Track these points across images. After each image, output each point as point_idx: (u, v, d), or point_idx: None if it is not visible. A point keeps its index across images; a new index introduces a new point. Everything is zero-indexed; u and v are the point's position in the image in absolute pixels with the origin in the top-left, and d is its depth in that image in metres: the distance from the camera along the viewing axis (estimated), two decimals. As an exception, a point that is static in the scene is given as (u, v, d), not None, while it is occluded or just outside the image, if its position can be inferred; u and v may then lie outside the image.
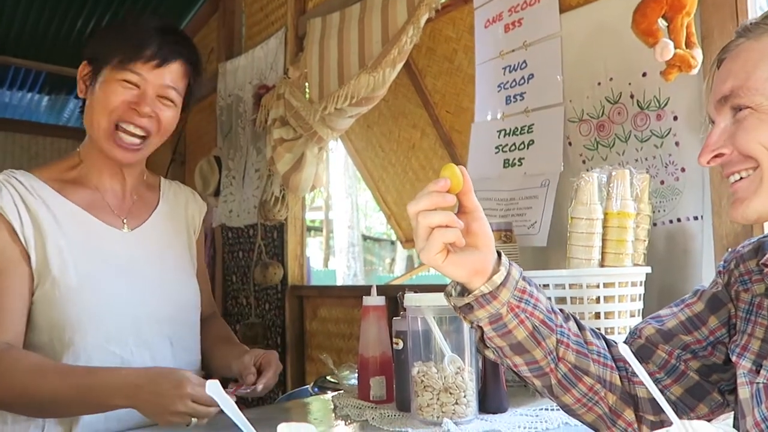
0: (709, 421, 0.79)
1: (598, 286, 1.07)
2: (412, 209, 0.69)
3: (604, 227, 1.12)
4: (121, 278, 1.09)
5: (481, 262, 0.71)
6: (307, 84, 2.30)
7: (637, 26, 1.17)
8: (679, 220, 1.30)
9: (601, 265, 1.12)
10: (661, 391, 0.77)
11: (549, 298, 0.77)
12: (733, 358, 0.71)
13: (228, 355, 1.15)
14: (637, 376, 0.75)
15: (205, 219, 1.33)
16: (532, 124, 1.59)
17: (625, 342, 0.83)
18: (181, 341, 1.16)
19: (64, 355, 1.03)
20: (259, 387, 1.03)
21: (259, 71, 2.71)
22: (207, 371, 1.22)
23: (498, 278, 0.71)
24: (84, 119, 1.12)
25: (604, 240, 1.12)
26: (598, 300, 1.07)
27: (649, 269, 1.12)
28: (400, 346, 1.06)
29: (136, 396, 0.91)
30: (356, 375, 1.25)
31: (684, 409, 0.77)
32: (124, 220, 1.15)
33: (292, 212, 2.56)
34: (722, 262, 0.81)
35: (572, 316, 0.79)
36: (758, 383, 0.67)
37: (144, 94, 1.08)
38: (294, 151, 2.31)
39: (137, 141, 1.10)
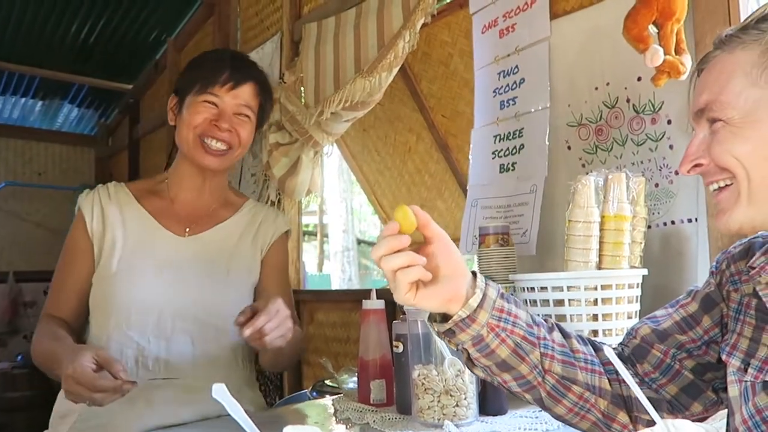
0: (704, 419, 0.80)
1: (595, 288, 1.08)
2: (375, 256, 0.71)
3: (601, 230, 1.13)
4: (157, 275, 1.23)
5: (454, 289, 0.72)
6: (302, 88, 2.30)
7: (627, 32, 1.18)
8: (673, 222, 1.32)
9: (599, 267, 1.13)
10: (657, 390, 0.78)
11: (530, 313, 0.78)
12: (723, 357, 0.73)
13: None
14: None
15: (287, 243, 1.43)
16: (522, 128, 1.61)
17: (622, 343, 0.85)
18: (204, 342, 1.24)
19: (92, 330, 1.24)
20: (246, 332, 1.02)
21: (255, 76, 2.72)
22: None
23: (474, 301, 0.73)
24: (175, 140, 1.33)
25: (601, 243, 1.13)
26: (595, 302, 1.08)
27: (645, 271, 1.13)
28: (401, 349, 1.06)
29: (60, 369, 1.01)
30: (355, 379, 1.26)
31: (679, 408, 0.78)
32: (187, 229, 1.30)
33: (288, 216, 2.56)
34: (714, 263, 0.82)
35: (556, 325, 0.80)
36: (746, 381, 0.68)
37: (223, 112, 1.27)
38: (290, 155, 2.32)
39: (223, 147, 1.28)
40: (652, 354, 0.79)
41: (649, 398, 0.76)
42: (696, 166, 0.69)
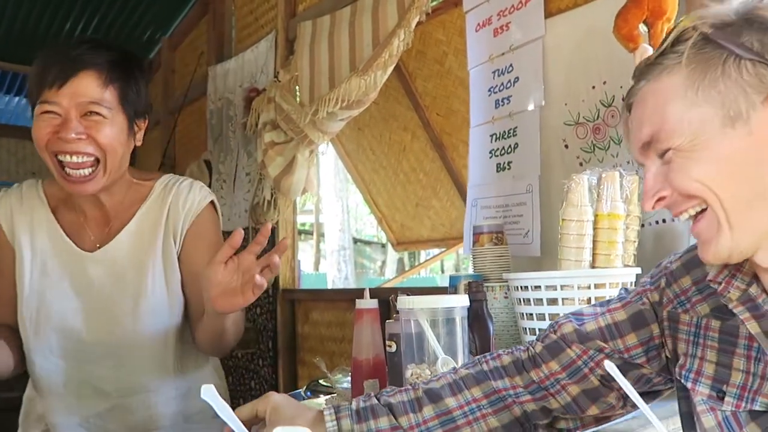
0: (598, 422, 0.79)
1: (589, 287, 1.07)
2: None
3: (595, 229, 1.13)
4: (71, 299, 1.13)
5: None
6: (297, 87, 2.30)
7: (618, 31, 1.19)
8: (664, 221, 1.32)
9: (592, 266, 1.13)
10: (559, 392, 0.77)
11: (394, 410, 0.76)
12: (688, 385, 0.70)
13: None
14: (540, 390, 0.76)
15: (216, 214, 1.21)
16: (516, 127, 1.61)
17: (539, 336, 0.82)
18: (128, 365, 1.15)
19: (27, 351, 1.15)
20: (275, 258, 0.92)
21: (250, 74, 2.71)
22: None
23: None
24: None
25: (594, 241, 1.13)
26: (589, 301, 1.07)
27: (639, 270, 1.13)
28: (394, 348, 1.06)
29: None
30: (349, 378, 1.25)
31: (574, 410, 0.77)
32: (98, 244, 1.15)
33: (283, 216, 2.56)
34: (649, 278, 0.79)
35: (426, 394, 0.78)
36: (724, 411, 0.66)
37: (66, 120, 1.02)
38: (285, 154, 2.31)
39: (86, 172, 1.04)
40: (565, 353, 0.77)
41: (539, 409, 0.76)
42: (659, 200, 0.66)
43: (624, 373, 0.67)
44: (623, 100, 1.43)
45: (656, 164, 0.66)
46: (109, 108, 1.04)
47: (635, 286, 0.83)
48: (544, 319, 1.10)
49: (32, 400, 1.21)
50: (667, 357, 0.76)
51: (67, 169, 1.04)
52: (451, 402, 0.77)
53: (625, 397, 0.77)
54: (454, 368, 0.83)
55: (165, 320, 1.16)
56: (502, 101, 1.66)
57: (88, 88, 1.03)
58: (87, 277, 1.13)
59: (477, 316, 1.04)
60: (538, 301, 1.10)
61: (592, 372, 0.76)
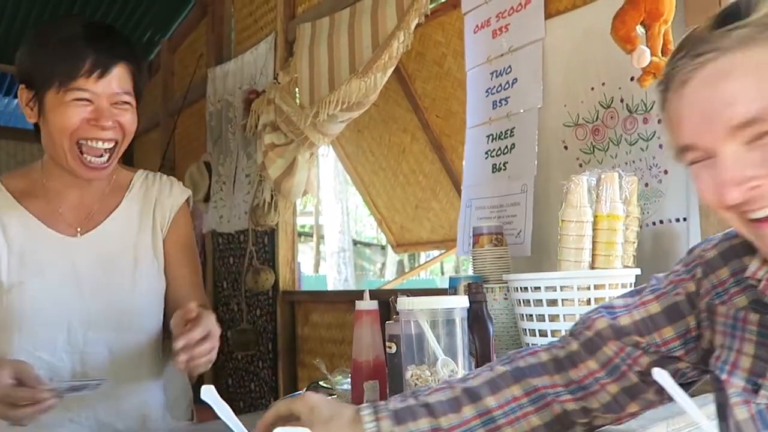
0: (632, 417, 0.78)
1: (588, 288, 1.08)
2: None
3: (594, 230, 1.13)
4: (59, 286, 1.10)
5: None
6: (297, 89, 2.30)
7: (615, 32, 1.19)
8: (662, 222, 1.32)
9: (592, 267, 1.13)
10: (599, 391, 0.75)
11: (435, 410, 0.74)
12: (723, 377, 0.69)
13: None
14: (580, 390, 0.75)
15: (189, 211, 1.26)
16: (513, 128, 1.62)
17: (574, 332, 0.80)
18: (124, 349, 1.14)
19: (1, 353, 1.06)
20: (180, 342, 0.92)
21: (249, 76, 2.71)
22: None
23: None
24: (42, 142, 1.10)
25: (594, 242, 1.13)
26: (588, 302, 1.08)
27: (638, 271, 1.14)
28: (394, 349, 1.06)
29: None
30: (349, 380, 1.25)
31: (615, 408, 0.76)
32: (78, 228, 1.14)
33: (283, 218, 2.56)
34: (683, 267, 0.77)
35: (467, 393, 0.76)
36: (759, 404, 0.64)
37: (100, 108, 1.05)
38: (285, 156, 2.31)
39: (105, 159, 1.08)
40: (602, 351, 0.76)
41: (579, 409, 0.75)
42: (751, 189, 0.58)
43: (661, 367, 0.65)
44: (621, 101, 1.43)
45: (740, 149, 0.58)
46: (131, 96, 1.10)
47: (667, 273, 0.80)
48: (544, 320, 1.10)
49: None
50: (703, 349, 0.74)
51: (87, 156, 1.06)
52: (490, 401, 0.75)
53: (662, 392, 0.74)
54: (489, 365, 0.81)
55: (155, 305, 1.19)
56: (499, 102, 1.67)
57: (122, 79, 1.07)
58: (73, 263, 1.11)
59: (477, 317, 1.04)
60: (538, 302, 1.11)
61: (630, 369, 0.75)
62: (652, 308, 0.76)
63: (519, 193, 1.56)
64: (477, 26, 1.74)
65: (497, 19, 1.68)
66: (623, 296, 0.81)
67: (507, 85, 1.65)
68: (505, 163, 1.63)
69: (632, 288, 1.12)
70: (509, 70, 1.64)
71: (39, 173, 1.15)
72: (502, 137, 1.65)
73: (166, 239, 1.21)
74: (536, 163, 1.53)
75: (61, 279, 1.10)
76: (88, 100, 1.04)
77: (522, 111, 1.59)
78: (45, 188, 1.13)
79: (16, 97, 4.11)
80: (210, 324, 0.98)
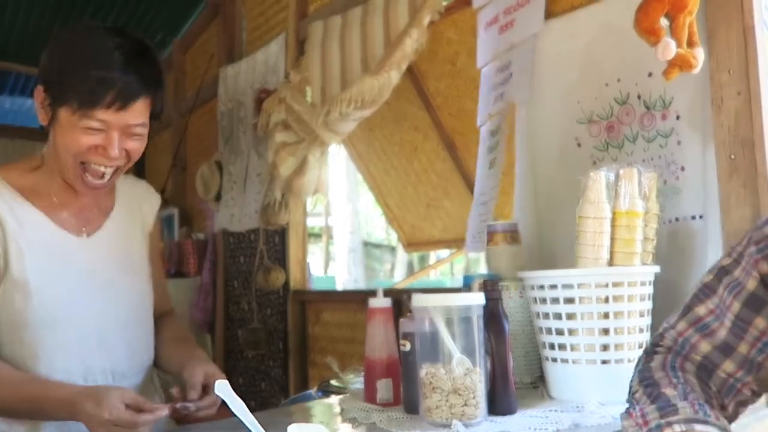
0: None
1: (606, 286, 1.05)
2: None
3: (613, 226, 1.11)
4: (81, 284, 1.11)
5: None
6: (308, 88, 2.29)
7: (639, 25, 1.16)
8: (677, 219, 1.30)
9: (610, 264, 1.11)
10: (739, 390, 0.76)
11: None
12: None
13: (182, 361, 1.14)
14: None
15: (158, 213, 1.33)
16: (501, 124, 1.65)
17: (676, 366, 0.79)
18: (137, 342, 1.19)
19: (24, 356, 1.06)
20: (191, 407, 1.00)
21: (260, 76, 2.71)
22: (160, 369, 1.25)
23: None
24: (47, 146, 1.09)
25: (612, 239, 1.11)
26: (606, 300, 1.05)
27: (658, 268, 1.11)
28: (408, 347, 1.05)
29: (75, 413, 0.96)
30: (361, 378, 1.24)
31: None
32: (83, 228, 1.15)
33: (294, 217, 2.56)
34: (752, 247, 0.74)
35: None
36: None
37: (110, 137, 1.03)
38: (297, 155, 2.31)
39: (105, 180, 1.09)
40: (717, 376, 0.76)
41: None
42: None
43: None
44: (638, 97, 1.41)
45: None
46: (146, 126, 1.08)
47: (734, 258, 0.79)
48: (561, 318, 1.08)
49: None
50: None
51: (88, 176, 1.07)
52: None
53: None
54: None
55: (151, 303, 1.24)
56: (498, 98, 1.69)
57: (139, 112, 1.05)
58: (86, 262, 1.13)
59: (492, 315, 1.02)
60: (554, 300, 1.09)
61: (746, 387, 0.76)
62: (734, 308, 0.75)
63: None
64: (487, 23, 1.74)
65: (504, 15, 1.68)
66: (710, 312, 0.79)
67: (505, 81, 1.66)
68: (495, 159, 1.67)
69: (651, 285, 1.10)
70: (509, 65, 1.65)
71: (39, 173, 1.13)
72: (496, 133, 1.68)
73: (149, 243, 1.27)
74: (527, 157, 1.55)
75: (83, 278, 1.12)
76: (100, 129, 1.03)
77: (514, 105, 1.61)
78: (47, 189, 1.13)
79: (31, 97, 4.16)
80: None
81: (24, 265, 1.06)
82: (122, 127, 1.04)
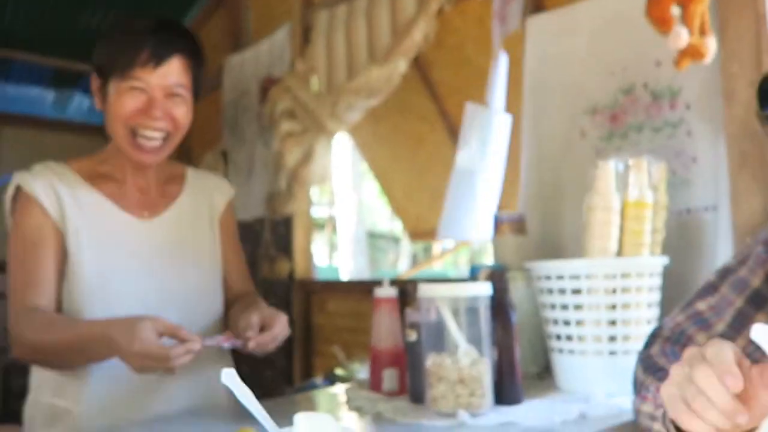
0: None
1: (615, 277, 1.05)
2: None
3: (622, 217, 1.10)
4: (136, 265, 1.15)
5: None
6: (314, 77, 2.28)
7: (650, 13, 1.15)
8: (689, 211, 1.29)
9: (618, 255, 1.10)
10: None
11: None
12: None
13: (241, 310, 1.15)
14: None
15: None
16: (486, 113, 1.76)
17: (673, 350, 0.79)
18: (192, 328, 1.17)
19: None
20: (251, 344, 1.01)
21: (265, 65, 2.70)
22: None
23: None
24: (106, 128, 1.16)
25: (621, 230, 1.10)
26: (614, 291, 1.05)
27: (666, 259, 1.11)
28: (414, 337, 1.04)
29: (112, 348, 0.96)
30: (366, 368, 1.24)
31: None
32: (145, 211, 1.20)
33: (300, 206, 2.55)
34: (760, 247, 0.74)
35: None
36: None
37: (152, 99, 1.10)
38: (303, 144, 2.30)
39: (157, 143, 1.13)
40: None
41: None
42: None
43: None
44: (645, 87, 1.40)
45: None
46: (187, 90, 1.14)
47: (739, 260, 0.79)
48: (567, 309, 1.08)
49: (40, 387, 1.15)
50: None
51: (140, 139, 1.12)
52: None
53: None
54: None
55: (217, 291, 1.26)
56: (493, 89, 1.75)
57: (177, 72, 1.11)
58: (146, 245, 1.17)
59: (499, 306, 1.02)
60: (561, 291, 1.08)
61: None
62: (738, 305, 0.76)
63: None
64: (495, 13, 1.73)
65: (504, 5, 1.70)
66: (710, 308, 0.79)
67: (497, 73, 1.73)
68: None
69: (660, 277, 1.09)
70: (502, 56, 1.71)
71: (106, 162, 1.20)
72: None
73: (220, 231, 1.30)
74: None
75: (139, 260, 1.16)
76: (142, 89, 1.10)
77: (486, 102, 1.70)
78: (111, 172, 1.19)
79: (35, 85, 4.16)
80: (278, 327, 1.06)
81: (80, 244, 1.12)
82: (162, 87, 1.10)
